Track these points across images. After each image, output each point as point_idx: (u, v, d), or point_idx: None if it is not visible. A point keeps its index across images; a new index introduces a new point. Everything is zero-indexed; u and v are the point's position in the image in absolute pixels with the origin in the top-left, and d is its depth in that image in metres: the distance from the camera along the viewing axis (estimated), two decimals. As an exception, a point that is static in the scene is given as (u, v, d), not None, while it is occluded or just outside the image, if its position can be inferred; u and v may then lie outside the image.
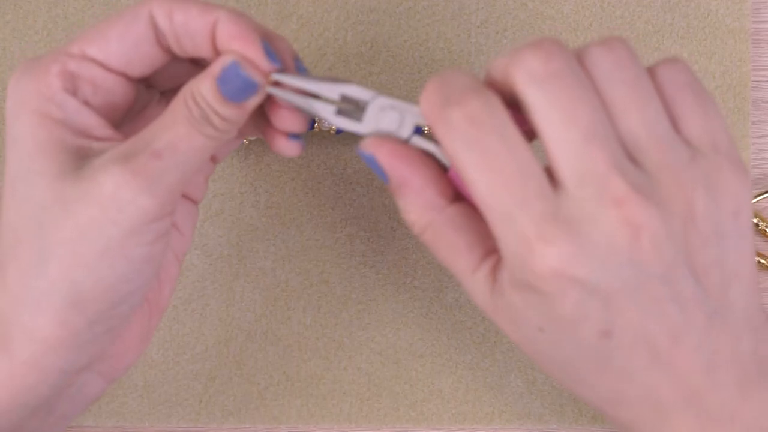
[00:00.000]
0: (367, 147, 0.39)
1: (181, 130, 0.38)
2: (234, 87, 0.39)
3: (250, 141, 0.52)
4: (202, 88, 0.39)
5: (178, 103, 0.39)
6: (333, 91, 0.40)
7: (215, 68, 0.39)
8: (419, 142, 0.40)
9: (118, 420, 0.52)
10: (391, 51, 0.53)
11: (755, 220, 0.52)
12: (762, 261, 0.52)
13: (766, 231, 0.52)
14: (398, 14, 0.53)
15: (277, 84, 0.40)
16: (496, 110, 0.36)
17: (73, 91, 0.40)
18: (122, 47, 0.40)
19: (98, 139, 0.40)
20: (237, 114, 0.39)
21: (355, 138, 0.53)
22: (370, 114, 0.40)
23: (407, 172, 0.39)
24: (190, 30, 0.40)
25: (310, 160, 0.53)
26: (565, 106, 0.35)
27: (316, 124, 0.52)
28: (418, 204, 0.39)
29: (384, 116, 0.40)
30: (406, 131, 0.40)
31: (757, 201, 0.52)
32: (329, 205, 0.52)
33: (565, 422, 0.52)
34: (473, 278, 0.38)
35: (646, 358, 0.36)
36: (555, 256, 0.34)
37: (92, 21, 0.52)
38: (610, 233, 0.34)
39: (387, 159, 0.39)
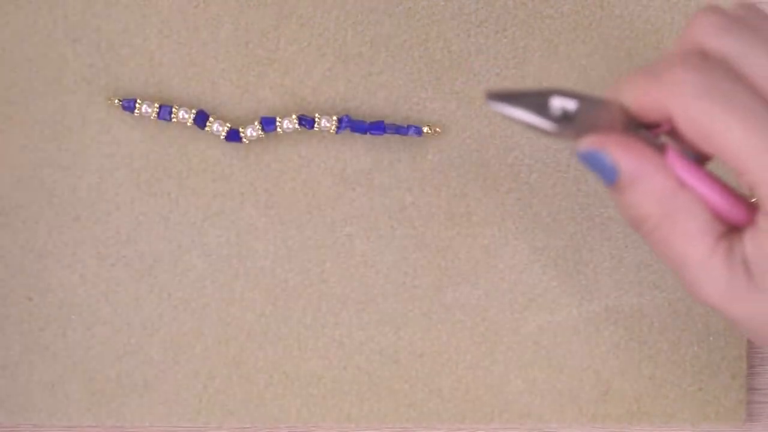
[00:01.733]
0: (593, 143, 0.37)
1: None
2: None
3: (250, 141, 0.52)
4: None
5: None
6: (543, 100, 0.37)
7: None
8: (632, 132, 0.38)
9: (117, 420, 0.52)
10: (391, 51, 0.53)
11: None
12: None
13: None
14: (398, 14, 0.53)
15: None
16: (711, 60, 0.36)
17: None
18: None
19: None
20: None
21: (355, 138, 0.53)
22: (582, 116, 0.37)
23: (639, 161, 0.37)
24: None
25: (309, 160, 0.53)
26: (762, 44, 0.36)
27: (315, 124, 0.52)
28: (653, 192, 0.37)
29: (594, 115, 0.38)
30: (616, 126, 0.38)
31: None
32: (329, 205, 0.52)
33: (565, 422, 0.52)
34: (709, 264, 0.37)
35: None
36: None
37: (93, 21, 0.52)
38: None
39: (618, 150, 0.37)
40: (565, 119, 0.37)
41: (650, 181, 0.37)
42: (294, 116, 0.52)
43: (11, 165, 0.52)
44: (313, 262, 0.52)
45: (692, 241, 0.37)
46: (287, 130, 0.52)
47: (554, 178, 0.52)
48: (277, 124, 0.52)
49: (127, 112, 0.52)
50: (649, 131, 0.38)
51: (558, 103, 0.37)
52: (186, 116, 0.52)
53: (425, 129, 0.52)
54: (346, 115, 0.52)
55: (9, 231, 0.52)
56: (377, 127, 0.52)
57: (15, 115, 0.52)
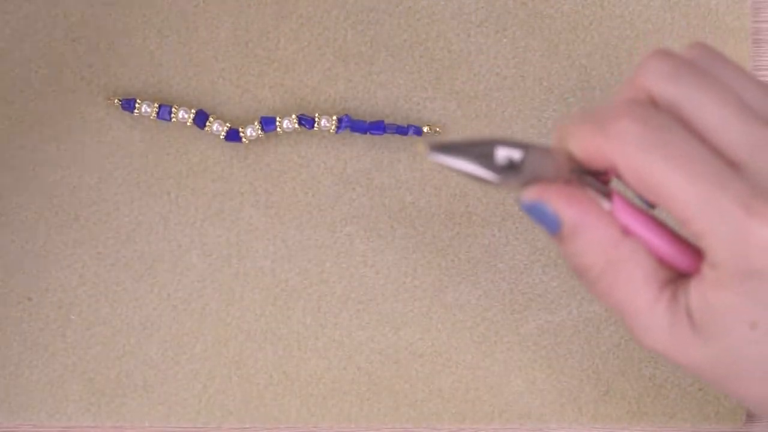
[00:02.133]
0: (534, 194, 0.37)
1: None
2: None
3: (250, 141, 0.52)
4: None
5: None
6: (487, 149, 0.37)
7: None
8: (576, 182, 0.38)
9: (117, 420, 0.52)
10: (391, 50, 0.53)
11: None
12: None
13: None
14: (398, 13, 0.53)
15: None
16: (657, 110, 0.36)
17: None
18: None
19: None
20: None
21: (355, 138, 0.53)
22: (528, 165, 0.37)
23: (581, 211, 0.37)
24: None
25: (310, 159, 0.53)
26: (710, 89, 0.36)
27: (315, 124, 0.52)
28: (597, 242, 0.37)
29: (540, 164, 0.37)
30: (563, 174, 0.37)
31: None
32: (329, 205, 0.52)
33: (565, 422, 0.52)
34: (653, 312, 0.37)
35: None
36: None
37: (92, 21, 0.52)
38: None
39: (559, 201, 0.37)
40: (510, 169, 0.36)
41: (593, 231, 0.37)
42: (294, 116, 0.52)
43: (11, 165, 0.52)
44: (313, 262, 0.52)
45: (635, 290, 0.37)
46: (287, 130, 0.52)
47: (554, 178, 0.52)
48: (277, 123, 0.52)
49: (127, 112, 0.52)
50: (597, 178, 0.38)
51: (503, 153, 0.36)
52: (186, 116, 0.52)
53: (425, 129, 0.52)
54: (346, 115, 0.52)
55: (9, 231, 0.52)
56: (377, 127, 0.52)
57: (14, 115, 0.53)
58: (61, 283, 0.52)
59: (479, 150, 0.36)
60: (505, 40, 0.52)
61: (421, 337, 0.52)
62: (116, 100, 0.52)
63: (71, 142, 0.52)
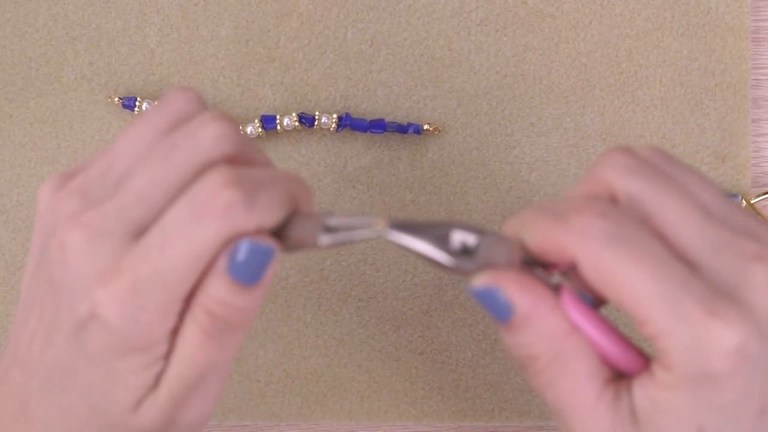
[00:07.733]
0: (487, 280, 0.36)
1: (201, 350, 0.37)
2: (251, 264, 0.36)
3: (250, 139, 0.52)
4: (215, 290, 0.36)
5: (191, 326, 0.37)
6: (443, 233, 0.37)
7: (222, 261, 0.36)
8: (528, 270, 0.37)
9: (119, 418, 0.52)
10: (391, 49, 0.53)
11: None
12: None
13: None
14: (398, 12, 0.53)
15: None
16: (619, 208, 0.35)
17: None
18: None
19: None
20: (258, 295, 0.37)
21: (355, 136, 0.53)
22: (482, 251, 0.36)
23: (534, 300, 0.36)
24: None
25: (310, 158, 0.53)
26: (671, 188, 0.36)
27: (315, 122, 0.52)
28: (547, 332, 0.36)
29: (494, 251, 0.36)
30: (515, 263, 0.37)
31: (756, 201, 0.52)
32: (329, 203, 0.53)
33: (565, 419, 0.53)
34: (595, 409, 0.36)
35: None
36: (735, 333, 0.34)
37: (92, 19, 0.52)
38: (763, 291, 0.34)
39: (513, 288, 0.36)
40: (464, 254, 0.36)
41: (544, 321, 0.36)
42: (294, 114, 0.52)
43: (11, 163, 0.52)
44: (314, 260, 0.53)
45: (580, 385, 0.36)
46: (287, 128, 0.52)
47: (554, 176, 0.52)
48: (278, 122, 0.52)
49: (128, 111, 0.52)
50: (545, 270, 0.37)
51: (458, 237, 0.36)
52: (186, 114, 0.52)
53: (425, 127, 0.52)
54: (347, 113, 0.52)
55: (9, 229, 0.52)
56: (377, 125, 0.52)
57: (15, 113, 0.52)
58: (62, 281, 0.52)
59: (436, 232, 0.36)
60: (505, 38, 0.52)
61: (421, 335, 0.52)
62: (117, 99, 0.52)
63: (71, 140, 0.52)
